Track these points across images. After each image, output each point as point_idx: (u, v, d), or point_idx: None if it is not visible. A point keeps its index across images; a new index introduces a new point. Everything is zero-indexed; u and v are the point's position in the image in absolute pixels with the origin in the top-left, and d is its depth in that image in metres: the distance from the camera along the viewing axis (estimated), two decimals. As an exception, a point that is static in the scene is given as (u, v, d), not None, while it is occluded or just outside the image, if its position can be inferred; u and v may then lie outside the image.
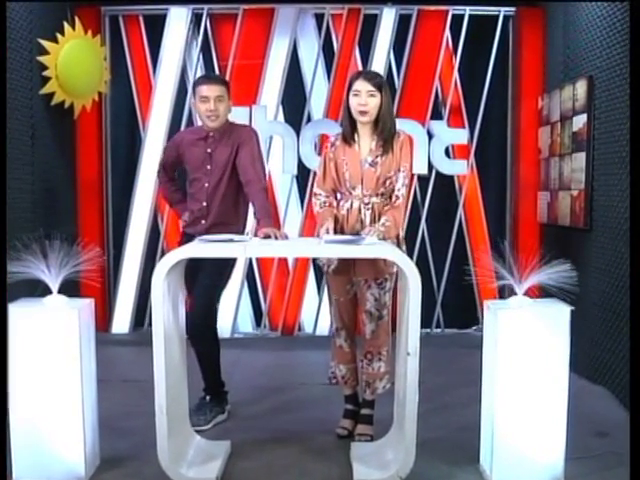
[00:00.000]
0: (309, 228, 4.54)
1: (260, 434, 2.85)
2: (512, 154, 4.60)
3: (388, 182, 2.68)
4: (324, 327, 4.64)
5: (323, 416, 3.07)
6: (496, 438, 2.38)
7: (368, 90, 2.62)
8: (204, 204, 2.94)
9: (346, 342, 2.84)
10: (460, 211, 4.58)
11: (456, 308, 4.70)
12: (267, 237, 2.56)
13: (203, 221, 2.97)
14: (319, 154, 4.46)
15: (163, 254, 4.59)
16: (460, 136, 4.49)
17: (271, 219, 2.79)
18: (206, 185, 2.93)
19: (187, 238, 2.92)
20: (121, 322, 4.58)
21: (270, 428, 2.93)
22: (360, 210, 2.68)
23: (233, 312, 4.54)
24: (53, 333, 2.30)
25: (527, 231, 4.50)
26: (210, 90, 2.83)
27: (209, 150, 2.92)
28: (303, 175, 4.53)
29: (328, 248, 2.33)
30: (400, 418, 2.50)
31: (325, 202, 2.75)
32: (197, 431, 2.70)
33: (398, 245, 2.68)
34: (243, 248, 2.28)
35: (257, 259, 4.53)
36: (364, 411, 2.83)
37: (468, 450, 2.61)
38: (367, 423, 2.80)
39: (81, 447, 2.37)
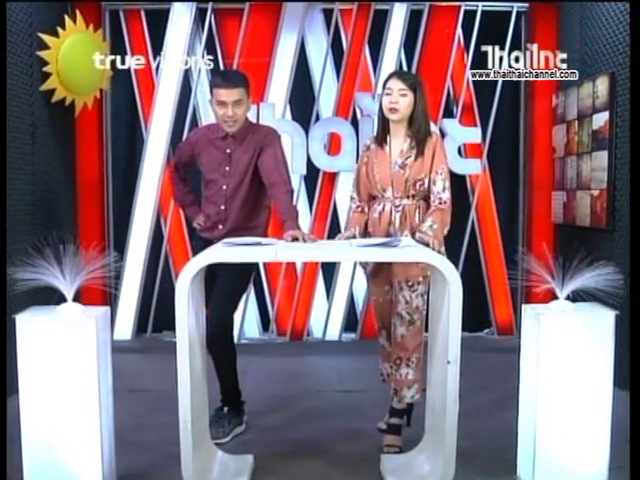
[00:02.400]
0: (318, 230, 4.41)
1: (282, 446, 2.72)
2: (525, 153, 4.51)
3: (419, 184, 2.62)
4: (334, 332, 4.53)
5: (345, 426, 2.96)
6: (538, 448, 2.27)
7: (400, 88, 2.58)
8: (222, 207, 2.79)
9: (387, 341, 2.76)
10: (472, 212, 4.47)
11: (467, 311, 4.56)
12: (295, 240, 2.42)
13: (221, 226, 2.80)
14: (328, 153, 4.38)
15: (167, 258, 4.48)
16: (473, 135, 4.39)
17: (297, 222, 2.64)
18: (224, 188, 2.77)
19: (204, 242, 2.76)
20: (123, 328, 4.41)
21: (292, 440, 2.80)
22: (391, 213, 2.63)
23: (240, 317, 4.39)
24: (69, 344, 2.15)
25: (541, 232, 4.40)
26: (228, 95, 2.63)
27: (228, 151, 2.76)
28: (312, 175, 4.40)
29: (363, 252, 2.21)
30: (435, 428, 2.38)
31: (357, 207, 2.75)
32: (216, 444, 2.57)
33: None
34: (274, 251, 2.15)
35: (264, 262, 4.39)
36: (393, 421, 2.72)
37: (502, 460, 2.51)
38: (396, 434, 2.69)
39: (98, 464, 2.22)
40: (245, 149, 2.75)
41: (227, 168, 2.76)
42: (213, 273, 2.67)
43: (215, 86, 2.70)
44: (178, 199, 3.13)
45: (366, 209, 2.73)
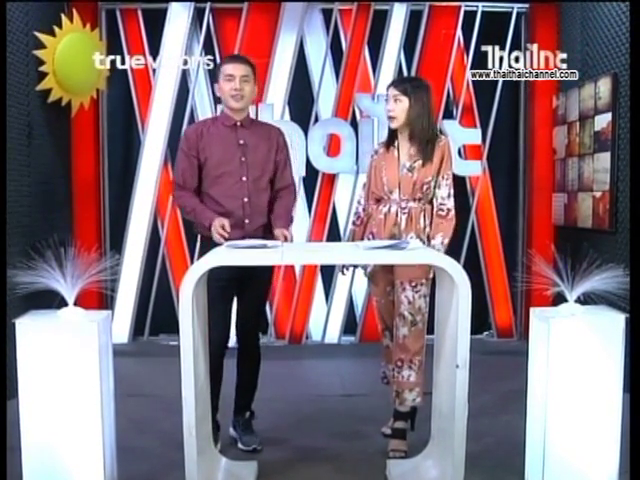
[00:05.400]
0: (317, 232, 4.38)
1: (285, 452, 2.69)
2: (525, 154, 4.50)
3: (426, 187, 2.63)
4: (333, 335, 4.49)
5: (348, 430, 2.93)
6: (547, 453, 2.24)
7: (394, 95, 2.62)
8: (245, 200, 2.60)
9: (392, 342, 2.72)
10: (472, 214, 4.44)
11: (467, 313, 4.55)
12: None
13: (247, 220, 2.61)
14: (327, 155, 4.34)
15: (164, 261, 4.42)
16: (473, 136, 4.36)
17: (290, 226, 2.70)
18: (244, 179, 2.61)
19: (213, 245, 2.55)
20: (120, 331, 4.34)
21: (295, 445, 2.77)
22: (397, 214, 2.63)
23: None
24: (71, 348, 2.10)
25: (541, 233, 4.39)
26: (236, 69, 2.60)
27: (242, 142, 2.64)
28: (312, 177, 4.36)
29: (372, 254, 2.17)
30: (442, 432, 2.35)
31: (358, 218, 2.79)
32: (248, 451, 2.67)
33: None
34: (280, 254, 2.10)
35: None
36: (397, 424, 2.68)
37: (509, 464, 2.48)
38: (401, 438, 2.66)
39: (100, 471, 2.17)
40: (258, 140, 2.66)
41: (243, 159, 2.62)
42: (239, 278, 2.59)
43: (223, 63, 2.69)
44: (196, 211, 2.62)
45: (365, 219, 2.76)
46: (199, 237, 2.75)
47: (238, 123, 2.66)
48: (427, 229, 2.63)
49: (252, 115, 4.00)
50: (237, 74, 2.59)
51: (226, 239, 2.45)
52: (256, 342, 2.80)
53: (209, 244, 2.49)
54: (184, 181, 2.65)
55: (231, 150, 2.63)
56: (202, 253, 2.48)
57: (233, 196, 2.61)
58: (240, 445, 2.72)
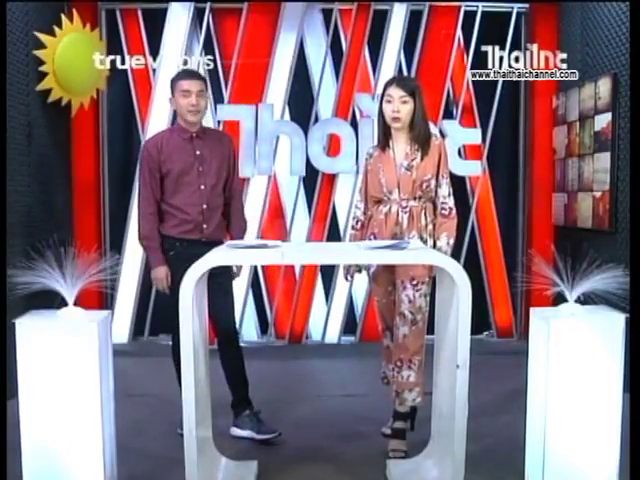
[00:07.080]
0: (317, 232, 4.37)
1: (285, 452, 2.69)
2: (525, 154, 4.50)
3: (425, 185, 2.64)
4: (333, 335, 4.49)
5: (348, 430, 2.93)
6: (547, 454, 2.23)
7: (400, 96, 2.60)
8: (204, 207, 2.76)
9: (392, 342, 2.73)
10: (472, 214, 4.44)
11: (467, 313, 4.55)
12: None
13: (205, 225, 2.77)
14: (327, 155, 4.34)
15: (164, 260, 4.42)
16: (473, 136, 4.36)
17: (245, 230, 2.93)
18: (202, 188, 2.76)
19: (187, 244, 2.74)
20: (120, 331, 4.34)
21: (294, 445, 2.77)
22: (398, 214, 2.64)
23: (238, 320, 4.34)
24: (71, 348, 2.09)
25: (541, 233, 4.39)
26: (192, 85, 2.73)
27: (198, 152, 2.76)
28: (312, 177, 4.36)
29: (372, 254, 2.17)
30: (442, 433, 2.36)
31: (357, 222, 2.79)
32: (273, 438, 2.77)
33: None
34: (280, 253, 2.11)
35: (262, 265, 4.35)
36: (397, 425, 2.69)
37: (509, 464, 2.49)
38: (400, 438, 2.66)
39: (100, 471, 2.17)
40: (213, 149, 2.81)
41: (200, 169, 2.77)
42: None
43: (178, 79, 2.80)
44: (153, 234, 2.79)
45: (366, 222, 2.76)
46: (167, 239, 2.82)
47: (194, 134, 2.78)
48: (429, 227, 2.64)
49: (253, 115, 4.10)
50: (193, 89, 2.73)
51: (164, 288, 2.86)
52: (235, 336, 2.90)
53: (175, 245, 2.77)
54: (152, 191, 2.78)
55: (189, 161, 2.76)
56: (174, 255, 2.75)
57: (193, 204, 2.76)
58: (259, 436, 2.78)
